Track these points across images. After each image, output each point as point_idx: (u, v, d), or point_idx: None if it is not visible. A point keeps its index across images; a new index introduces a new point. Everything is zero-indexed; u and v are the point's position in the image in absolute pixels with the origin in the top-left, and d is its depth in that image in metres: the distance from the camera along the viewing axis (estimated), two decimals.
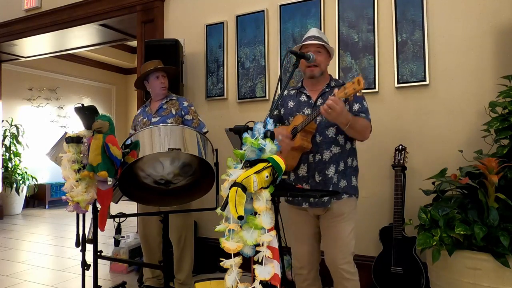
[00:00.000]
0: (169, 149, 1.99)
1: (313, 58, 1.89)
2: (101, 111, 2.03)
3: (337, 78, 2.95)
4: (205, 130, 2.71)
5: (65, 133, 2.21)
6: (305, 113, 1.98)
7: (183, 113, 2.69)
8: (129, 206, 2.71)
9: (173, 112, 2.68)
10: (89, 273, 2.29)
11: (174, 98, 2.77)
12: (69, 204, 2.01)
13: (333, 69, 2.90)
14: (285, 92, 2.13)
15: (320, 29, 3.04)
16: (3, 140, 6.39)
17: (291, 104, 2.07)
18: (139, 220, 2.81)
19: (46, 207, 7.26)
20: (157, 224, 2.72)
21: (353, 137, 1.94)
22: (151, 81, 2.75)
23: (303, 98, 2.03)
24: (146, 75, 2.75)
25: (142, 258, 2.92)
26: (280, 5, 3.21)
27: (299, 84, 2.10)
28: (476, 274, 1.92)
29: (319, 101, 1.97)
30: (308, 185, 1.97)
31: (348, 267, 1.90)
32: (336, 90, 1.74)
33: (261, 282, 1.21)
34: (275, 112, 2.12)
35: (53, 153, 2.35)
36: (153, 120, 2.69)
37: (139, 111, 2.89)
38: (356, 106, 1.94)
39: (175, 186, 2.23)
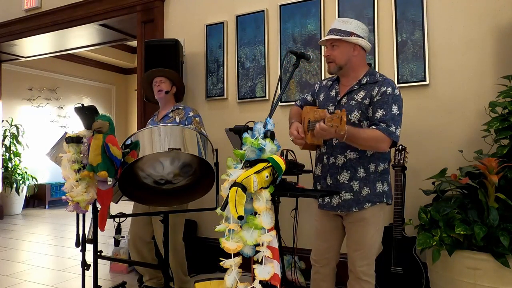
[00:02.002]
0: (169, 149, 1.99)
1: (313, 58, 1.89)
2: (101, 111, 2.02)
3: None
4: None
5: (65, 133, 2.22)
6: (329, 110, 1.89)
7: (186, 123, 2.66)
8: (129, 206, 2.71)
9: (177, 120, 2.66)
10: (89, 273, 2.29)
11: (181, 107, 2.76)
12: (69, 204, 2.01)
13: None
14: (324, 82, 2.06)
15: (320, 30, 3.04)
16: (3, 140, 6.39)
17: (322, 96, 2.00)
18: (129, 230, 2.77)
19: (46, 207, 7.27)
20: (146, 231, 2.69)
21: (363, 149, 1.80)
22: (153, 88, 2.79)
23: (332, 93, 1.95)
24: (149, 81, 2.80)
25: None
26: (280, 5, 3.21)
27: (335, 76, 1.99)
28: (476, 274, 1.92)
29: (344, 100, 1.87)
30: (320, 186, 1.93)
31: (367, 269, 1.86)
32: (326, 119, 1.57)
33: (260, 282, 1.21)
34: (310, 99, 2.08)
35: (53, 153, 2.36)
36: None
37: (149, 120, 2.91)
38: (379, 113, 1.73)
39: (175, 186, 2.23)
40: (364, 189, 1.82)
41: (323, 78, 3.01)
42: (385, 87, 1.78)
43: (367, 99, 1.80)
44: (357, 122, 1.81)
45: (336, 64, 1.85)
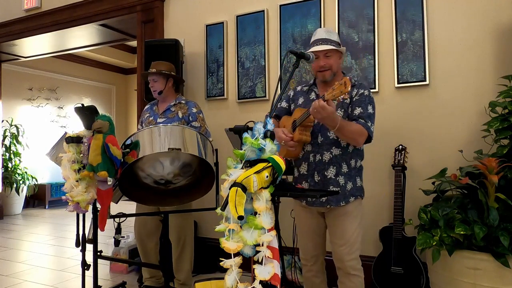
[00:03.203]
0: (169, 149, 1.99)
1: (313, 58, 1.89)
2: (101, 111, 2.02)
3: None
4: (210, 139, 2.69)
5: (65, 133, 2.21)
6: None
7: (190, 119, 2.65)
8: (129, 206, 2.71)
9: (180, 115, 2.65)
10: (89, 273, 2.29)
11: (183, 102, 2.74)
12: (69, 204, 2.01)
13: None
14: (298, 88, 2.14)
15: None
16: (3, 140, 6.39)
17: (301, 100, 2.08)
18: (135, 221, 2.80)
19: (46, 207, 7.26)
20: (154, 225, 2.71)
21: (346, 141, 1.92)
22: None
23: (312, 96, 2.04)
24: (145, 77, 2.78)
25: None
26: (280, 5, 3.21)
27: (311, 81, 2.11)
28: (476, 274, 1.92)
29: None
30: (307, 183, 1.99)
31: (355, 264, 1.94)
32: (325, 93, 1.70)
33: (261, 282, 1.21)
34: (285, 105, 2.14)
35: (53, 153, 2.35)
36: (159, 120, 2.68)
37: (147, 106, 2.86)
38: (358, 110, 1.90)
39: (175, 186, 2.23)
40: (348, 184, 1.95)
41: None
42: (362, 90, 1.96)
43: (348, 98, 1.94)
44: None
45: (332, 71, 1.96)
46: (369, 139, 1.89)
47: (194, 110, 2.69)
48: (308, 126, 1.91)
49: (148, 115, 2.78)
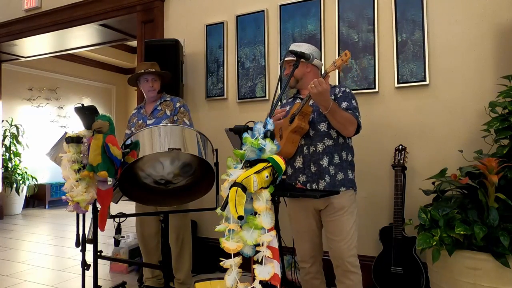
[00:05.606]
0: (169, 149, 1.99)
1: (313, 58, 1.93)
2: (101, 111, 2.02)
3: (337, 77, 2.96)
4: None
5: (65, 133, 2.21)
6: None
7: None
8: (129, 206, 2.71)
9: (168, 113, 2.69)
10: (89, 273, 2.28)
11: (169, 99, 2.77)
12: (69, 204, 2.01)
13: None
14: (284, 101, 2.27)
15: (320, 29, 3.05)
16: (3, 140, 6.39)
17: (288, 107, 2.17)
18: (136, 220, 2.80)
19: (46, 207, 7.26)
20: (155, 224, 2.72)
21: (337, 129, 1.98)
22: (141, 83, 2.77)
23: (298, 101, 2.15)
24: (137, 76, 2.78)
25: (142, 258, 2.92)
26: (280, 5, 3.21)
27: (295, 91, 2.24)
28: (476, 274, 1.92)
29: (310, 102, 2.04)
30: (304, 176, 2.03)
31: (354, 260, 1.96)
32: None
33: (261, 282, 1.21)
34: None
35: (53, 153, 2.35)
36: (148, 122, 2.69)
37: (134, 111, 2.88)
38: (344, 104, 2.00)
39: (175, 186, 2.23)
40: (339, 174, 2.00)
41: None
42: (344, 88, 2.08)
43: (332, 95, 2.03)
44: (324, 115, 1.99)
45: (294, 78, 2.10)
46: (358, 130, 2.00)
47: (178, 104, 2.74)
48: (306, 114, 1.98)
49: (136, 119, 2.79)
